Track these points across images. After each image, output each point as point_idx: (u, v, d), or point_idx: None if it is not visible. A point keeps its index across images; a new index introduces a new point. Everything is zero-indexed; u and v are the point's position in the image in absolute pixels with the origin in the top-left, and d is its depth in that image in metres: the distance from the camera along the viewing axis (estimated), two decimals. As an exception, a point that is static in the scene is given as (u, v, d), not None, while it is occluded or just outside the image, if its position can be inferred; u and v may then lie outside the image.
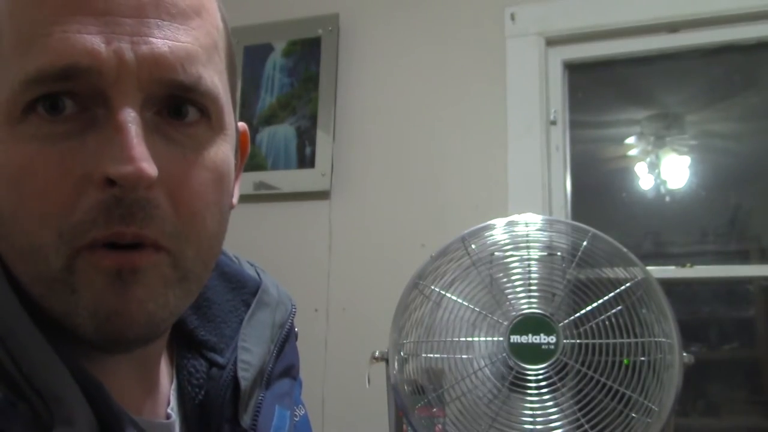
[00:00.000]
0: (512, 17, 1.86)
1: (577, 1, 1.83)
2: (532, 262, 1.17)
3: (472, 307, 1.16)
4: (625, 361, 1.11)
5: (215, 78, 0.47)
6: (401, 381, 1.17)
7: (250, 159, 1.57)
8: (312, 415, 0.70)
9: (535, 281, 1.16)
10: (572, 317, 1.13)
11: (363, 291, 1.85)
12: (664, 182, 1.93)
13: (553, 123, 1.84)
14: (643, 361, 1.10)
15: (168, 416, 0.54)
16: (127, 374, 0.51)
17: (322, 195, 1.95)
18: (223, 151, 0.48)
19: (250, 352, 0.58)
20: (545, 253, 1.19)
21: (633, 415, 1.09)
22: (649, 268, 1.16)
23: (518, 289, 1.16)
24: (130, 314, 0.43)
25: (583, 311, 1.13)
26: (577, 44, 1.86)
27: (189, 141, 0.46)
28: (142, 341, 0.46)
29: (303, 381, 0.68)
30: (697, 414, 1.81)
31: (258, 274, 0.64)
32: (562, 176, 1.83)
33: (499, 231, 1.20)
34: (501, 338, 1.14)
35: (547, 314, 1.13)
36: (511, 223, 1.20)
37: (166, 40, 0.44)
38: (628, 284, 1.14)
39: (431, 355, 1.17)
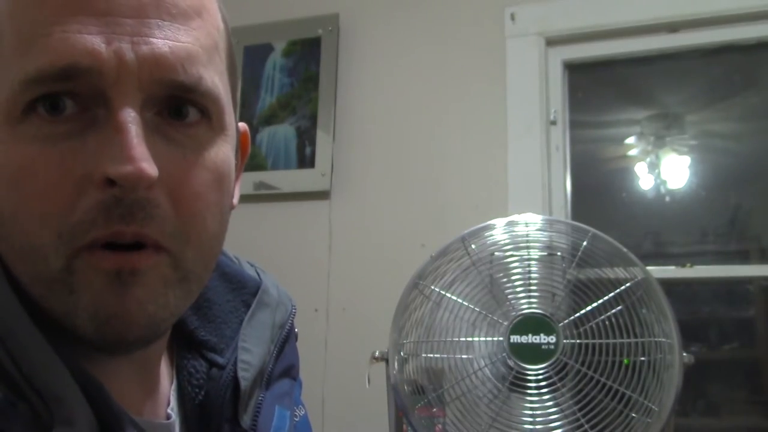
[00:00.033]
0: (512, 17, 1.86)
1: (577, 1, 1.83)
2: (532, 262, 1.17)
3: (472, 307, 1.16)
4: (625, 361, 1.10)
5: (216, 78, 0.47)
6: (401, 381, 1.17)
7: (250, 159, 1.56)
8: (312, 415, 0.70)
9: (535, 281, 1.16)
10: (572, 317, 1.13)
11: (363, 291, 1.85)
12: (664, 182, 1.93)
13: (553, 123, 1.84)
14: (643, 361, 1.10)
15: (168, 416, 0.54)
16: (128, 375, 0.51)
17: (322, 195, 1.95)
18: (224, 152, 0.48)
19: (250, 352, 0.58)
20: (545, 253, 1.19)
21: (633, 415, 1.09)
22: (649, 268, 1.16)
23: (518, 289, 1.16)
24: (130, 316, 0.43)
25: (583, 311, 1.13)
26: (577, 44, 1.86)
27: (189, 141, 0.46)
28: (143, 342, 0.46)
29: (303, 381, 0.68)
30: (697, 414, 1.81)
31: (258, 275, 0.64)
32: (562, 176, 1.83)
33: (499, 231, 1.20)
34: (501, 338, 1.14)
35: (547, 314, 1.13)
36: (511, 223, 1.20)
37: (166, 40, 0.44)
38: (628, 284, 1.14)
39: (431, 355, 1.17)
